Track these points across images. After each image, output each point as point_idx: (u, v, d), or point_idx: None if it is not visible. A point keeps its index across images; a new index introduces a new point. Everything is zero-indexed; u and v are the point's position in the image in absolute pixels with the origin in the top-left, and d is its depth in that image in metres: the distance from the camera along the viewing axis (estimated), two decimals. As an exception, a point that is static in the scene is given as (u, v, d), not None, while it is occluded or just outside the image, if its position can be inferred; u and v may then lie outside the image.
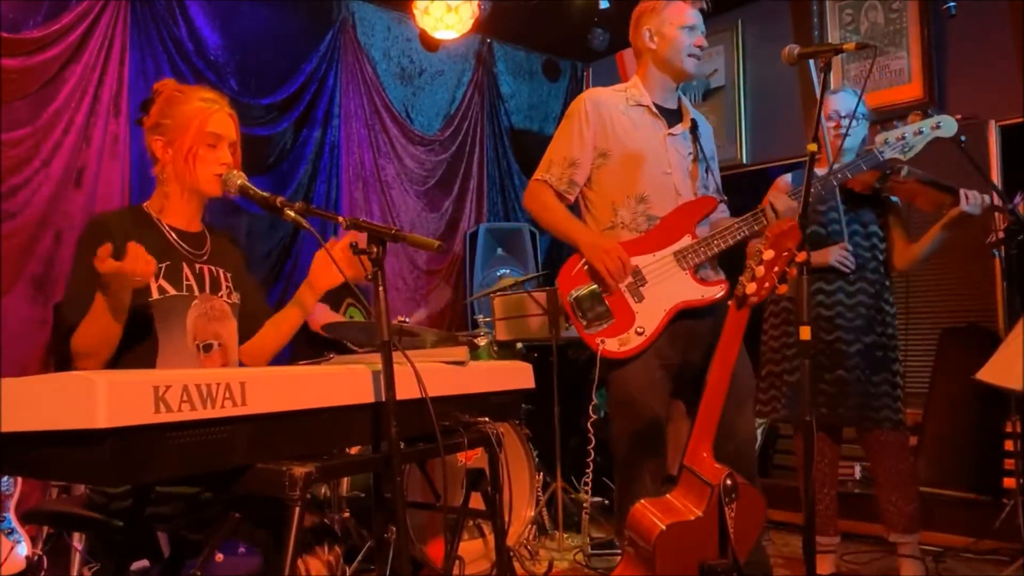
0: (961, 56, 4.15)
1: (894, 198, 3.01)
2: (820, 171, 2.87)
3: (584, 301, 2.49)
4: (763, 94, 4.98)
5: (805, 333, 2.01)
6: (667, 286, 2.45)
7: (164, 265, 1.84)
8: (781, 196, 2.45)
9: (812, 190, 2.42)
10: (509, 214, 5.60)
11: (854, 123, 2.94)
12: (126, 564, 1.89)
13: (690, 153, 2.57)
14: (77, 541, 2.93)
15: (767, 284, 2.03)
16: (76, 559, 2.93)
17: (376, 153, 4.93)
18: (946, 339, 3.78)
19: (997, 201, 3.00)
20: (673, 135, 2.55)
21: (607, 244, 2.43)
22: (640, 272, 2.45)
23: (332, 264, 1.87)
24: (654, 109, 2.55)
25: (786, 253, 2.02)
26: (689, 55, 2.51)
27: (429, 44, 5.16)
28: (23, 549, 2.95)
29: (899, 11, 4.34)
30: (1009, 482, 3.34)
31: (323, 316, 3.52)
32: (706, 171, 2.58)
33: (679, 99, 2.64)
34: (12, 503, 2.99)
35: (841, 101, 3.01)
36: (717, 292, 2.45)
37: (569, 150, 2.54)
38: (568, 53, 5.94)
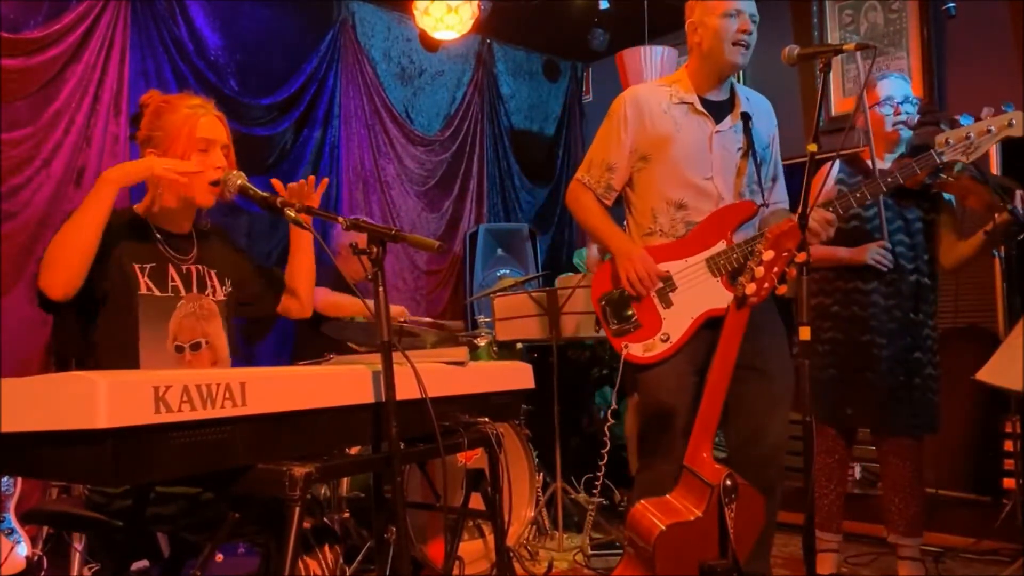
0: (961, 56, 4.15)
1: (947, 195, 2.86)
2: (879, 162, 2.78)
3: (614, 305, 2.48)
4: (763, 94, 4.97)
5: (804, 333, 2.01)
6: (697, 293, 2.41)
7: (149, 266, 1.85)
8: (819, 212, 2.31)
9: (858, 194, 2.36)
10: (509, 214, 5.61)
11: (904, 107, 2.83)
12: (126, 564, 1.90)
13: (739, 148, 2.48)
14: (77, 541, 2.93)
15: (767, 284, 2.03)
16: (76, 559, 2.93)
17: (376, 153, 4.93)
18: (946, 340, 3.78)
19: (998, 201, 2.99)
20: (720, 132, 2.47)
21: (635, 253, 2.42)
22: (671, 278, 2.42)
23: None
24: (699, 106, 2.46)
25: (786, 253, 2.02)
26: (733, 43, 2.38)
27: (429, 44, 5.16)
28: (23, 549, 2.95)
29: (899, 11, 4.35)
30: (1009, 482, 3.34)
31: (325, 297, 3.50)
32: (756, 165, 2.48)
33: (731, 88, 2.54)
34: (12, 503, 2.99)
35: (894, 86, 2.86)
36: None
37: (607, 153, 2.52)
38: (568, 53, 5.94)
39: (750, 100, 2.55)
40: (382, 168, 4.96)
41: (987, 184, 2.66)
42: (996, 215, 2.66)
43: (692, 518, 1.99)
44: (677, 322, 2.41)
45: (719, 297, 2.37)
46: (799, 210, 2.08)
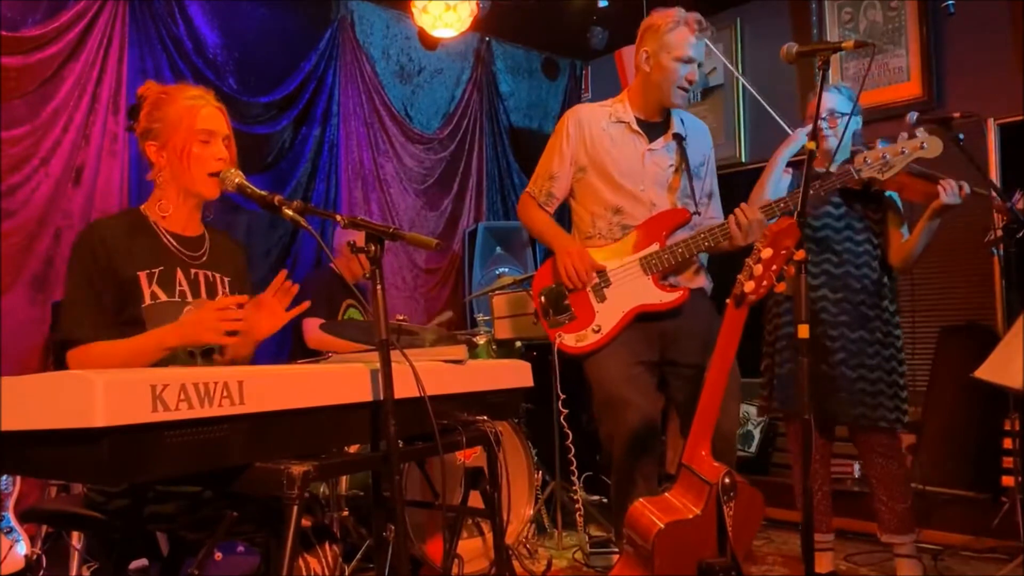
0: (960, 54, 4.15)
1: (889, 192, 2.92)
2: (820, 169, 2.86)
3: (552, 299, 2.69)
4: (762, 92, 4.97)
5: (804, 331, 2.01)
6: (628, 289, 2.61)
7: (158, 270, 1.83)
8: (750, 208, 2.55)
9: (782, 204, 2.58)
10: (508, 213, 5.60)
11: (838, 121, 2.89)
12: (125, 563, 1.89)
13: (671, 164, 2.68)
14: (76, 540, 2.93)
15: (765, 283, 2.03)
16: (75, 558, 2.93)
17: (375, 152, 4.92)
18: (945, 337, 3.78)
19: (996, 199, 3.00)
20: (653, 150, 2.67)
21: (573, 248, 2.62)
22: (606, 275, 2.62)
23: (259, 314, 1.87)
24: (635, 126, 2.67)
25: (784, 251, 2.02)
26: (679, 87, 2.59)
27: (428, 42, 5.15)
28: (22, 548, 2.95)
29: (897, 9, 4.34)
30: (1008, 480, 3.34)
31: (315, 333, 3.50)
32: (689, 180, 2.67)
33: (667, 112, 2.71)
34: (11, 502, 2.99)
35: (824, 100, 2.88)
36: (673, 297, 2.60)
37: (550, 165, 2.74)
38: (567, 52, 5.94)
39: (685, 123, 2.74)
40: (381, 166, 4.95)
41: (922, 175, 2.76)
42: (931, 204, 2.75)
43: (691, 516, 1.99)
44: (609, 315, 2.61)
45: (649, 294, 2.60)
46: (798, 208, 2.11)
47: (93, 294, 1.77)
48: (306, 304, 1.89)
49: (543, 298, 2.70)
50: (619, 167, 2.64)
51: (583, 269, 2.58)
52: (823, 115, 2.88)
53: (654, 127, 2.69)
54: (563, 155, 2.70)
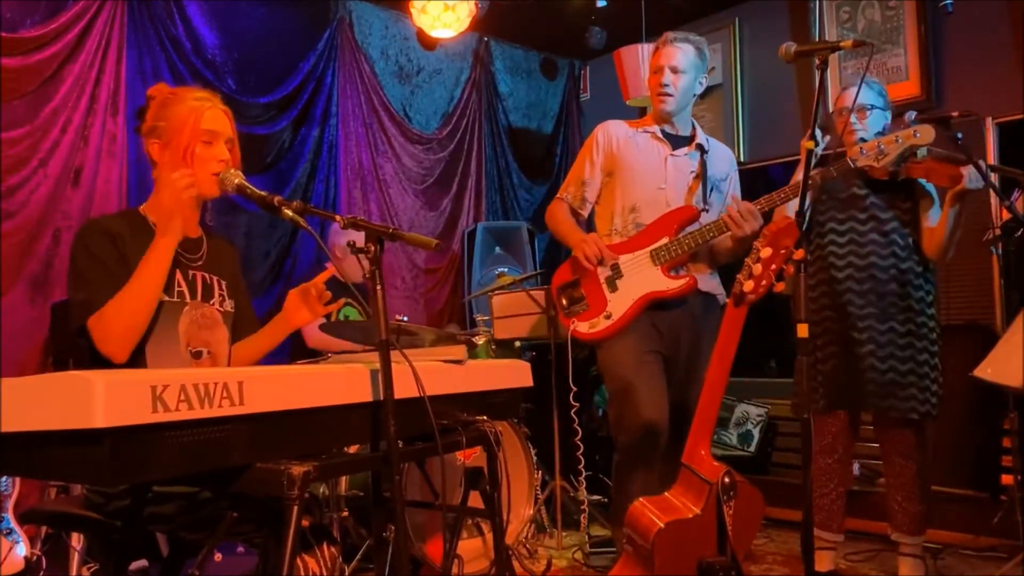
0: (959, 53, 4.15)
1: (921, 180, 2.89)
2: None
3: (568, 292, 2.92)
4: (760, 92, 4.98)
5: (802, 331, 2.01)
6: (639, 279, 2.81)
7: None
8: (743, 202, 2.72)
9: (782, 195, 2.69)
10: (508, 213, 5.60)
11: (868, 115, 2.89)
12: (124, 564, 1.89)
13: (692, 172, 2.90)
14: (76, 541, 2.93)
15: (764, 282, 2.03)
16: (75, 559, 2.93)
17: (374, 152, 4.92)
18: (944, 336, 3.78)
19: (994, 198, 3.00)
20: (675, 155, 2.90)
21: (590, 237, 2.84)
22: (619, 267, 2.84)
23: (302, 305, 1.96)
24: (658, 134, 2.92)
25: (783, 251, 2.02)
26: (657, 94, 2.88)
27: (427, 43, 5.15)
28: (22, 549, 2.94)
29: (896, 8, 4.34)
30: (1007, 479, 3.35)
31: (316, 333, 3.50)
32: (709, 190, 2.88)
33: (693, 126, 2.98)
34: (10, 503, 2.98)
35: (849, 96, 2.94)
36: (680, 283, 2.78)
37: (582, 172, 3.00)
38: (566, 51, 5.94)
39: (709, 142, 2.99)
40: (380, 167, 4.95)
41: (951, 160, 2.76)
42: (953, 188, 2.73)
43: (690, 516, 1.99)
44: (620, 303, 2.81)
45: (657, 282, 2.79)
46: (796, 207, 2.12)
47: (107, 272, 1.75)
48: (341, 301, 2.01)
49: (561, 292, 2.94)
50: (642, 167, 2.87)
51: (596, 251, 2.78)
52: (854, 110, 2.88)
53: (679, 139, 2.94)
54: (593, 162, 2.97)
